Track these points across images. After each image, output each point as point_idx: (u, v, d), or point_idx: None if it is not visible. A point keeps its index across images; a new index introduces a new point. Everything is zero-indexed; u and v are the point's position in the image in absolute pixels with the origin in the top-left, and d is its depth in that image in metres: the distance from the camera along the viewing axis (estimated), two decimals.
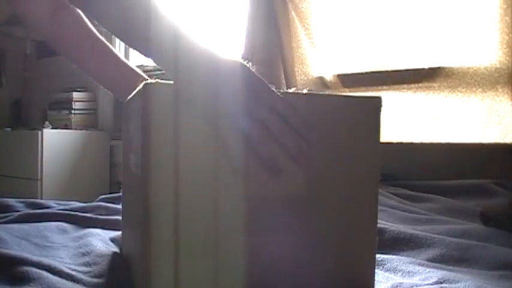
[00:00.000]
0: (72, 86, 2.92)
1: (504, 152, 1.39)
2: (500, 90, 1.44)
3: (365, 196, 0.60)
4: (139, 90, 0.54)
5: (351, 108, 0.60)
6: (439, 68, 1.58)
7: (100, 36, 0.97)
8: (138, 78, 0.88)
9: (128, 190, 0.71)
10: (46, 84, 3.23)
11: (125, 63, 0.96)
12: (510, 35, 1.41)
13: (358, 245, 0.60)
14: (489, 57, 1.46)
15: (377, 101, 0.60)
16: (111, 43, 0.98)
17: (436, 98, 1.58)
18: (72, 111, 2.89)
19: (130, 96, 0.61)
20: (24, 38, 3.16)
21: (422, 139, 1.58)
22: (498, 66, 1.44)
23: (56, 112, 2.96)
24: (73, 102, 2.90)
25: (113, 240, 0.81)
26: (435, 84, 1.58)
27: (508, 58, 1.42)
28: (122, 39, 0.64)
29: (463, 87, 1.52)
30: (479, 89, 1.48)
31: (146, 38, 0.57)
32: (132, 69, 0.96)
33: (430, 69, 1.59)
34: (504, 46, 1.43)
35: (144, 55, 0.58)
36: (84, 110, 2.95)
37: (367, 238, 0.60)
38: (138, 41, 0.59)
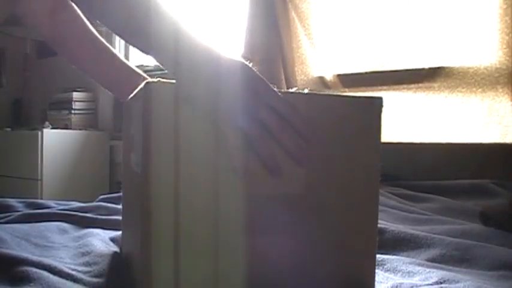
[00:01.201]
0: (72, 86, 2.92)
1: (504, 152, 1.39)
2: (500, 90, 1.44)
3: (365, 196, 0.60)
4: (140, 89, 0.54)
5: (351, 108, 0.60)
6: (439, 68, 1.58)
7: (99, 37, 0.97)
8: (138, 78, 0.88)
9: (128, 190, 0.71)
10: (46, 84, 3.23)
11: (125, 64, 0.96)
12: (510, 35, 1.41)
13: (358, 245, 0.60)
14: (489, 57, 1.46)
15: (378, 101, 0.60)
16: (110, 43, 0.98)
17: (436, 98, 1.58)
18: (72, 111, 2.89)
19: (132, 95, 0.61)
20: (24, 38, 3.15)
21: (422, 139, 1.58)
22: (498, 66, 1.44)
23: (56, 112, 2.96)
24: (73, 102, 2.90)
25: (113, 240, 0.81)
26: (435, 85, 1.58)
27: (508, 58, 1.42)
28: (122, 37, 0.64)
29: (463, 87, 1.52)
30: (479, 89, 1.48)
31: (147, 35, 0.57)
32: (132, 69, 0.95)
33: (430, 69, 1.59)
34: (504, 46, 1.43)
35: (145, 53, 0.58)
36: (84, 110, 2.95)
37: (367, 238, 0.60)
38: (139, 38, 0.59)
